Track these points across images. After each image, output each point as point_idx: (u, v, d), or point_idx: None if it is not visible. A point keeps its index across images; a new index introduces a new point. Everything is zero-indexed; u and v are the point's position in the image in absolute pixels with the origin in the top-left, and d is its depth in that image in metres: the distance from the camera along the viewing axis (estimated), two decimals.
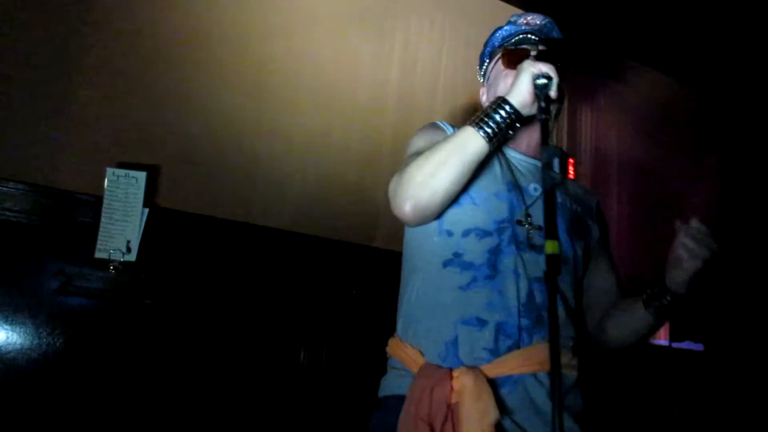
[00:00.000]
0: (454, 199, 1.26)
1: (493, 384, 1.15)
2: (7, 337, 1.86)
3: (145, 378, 1.98)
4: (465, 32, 2.81)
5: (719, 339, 3.21)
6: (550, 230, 1.01)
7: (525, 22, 1.41)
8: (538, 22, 1.40)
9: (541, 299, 1.24)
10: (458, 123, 1.25)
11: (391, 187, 1.27)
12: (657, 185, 3.41)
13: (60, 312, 1.92)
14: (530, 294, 1.23)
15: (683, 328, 3.04)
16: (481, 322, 1.20)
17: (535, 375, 1.18)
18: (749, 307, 3.51)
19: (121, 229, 1.98)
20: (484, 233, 1.26)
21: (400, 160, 1.38)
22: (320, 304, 2.31)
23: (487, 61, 1.48)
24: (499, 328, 1.19)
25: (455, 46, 2.81)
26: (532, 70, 1.18)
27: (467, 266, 1.24)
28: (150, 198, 2.08)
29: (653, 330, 1.35)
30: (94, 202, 2.00)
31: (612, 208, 3.21)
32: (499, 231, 1.26)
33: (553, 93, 1.18)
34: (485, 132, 1.19)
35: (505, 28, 1.43)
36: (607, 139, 3.33)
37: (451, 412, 1.14)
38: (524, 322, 1.20)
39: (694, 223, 1.21)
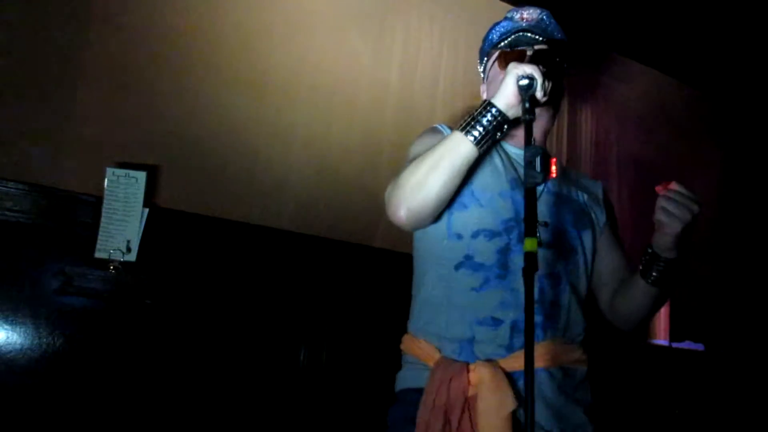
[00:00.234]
0: (459, 203, 1.29)
1: (510, 378, 1.18)
2: (7, 337, 1.86)
3: (146, 378, 1.98)
4: (465, 31, 2.81)
5: (719, 339, 3.21)
6: (529, 228, 1.03)
7: (521, 17, 1.41)
8: (534, 17, 1.41)
9: (552, 295, 1.27)
10: (458, 122, 1.26)
11: (387, 193, 1.30)
12: (657, 182, 3.40)
13: (60, 312, 1.92)
14: (542, 291, 1.26)
15: (683, 328, 3.04)
16: (497, 322, 1.23)
17: (548, 370, 1.22)
18: (749, 307, 3.51)
19: (121, 229, 1.98)
20: (492, 234, 1.28)
21: (400, 159, 1.39)
22: (320, 304, 2.31)
23: (486, 59, 1.49)
24: (515, 326, 1.23)
25: (455, 45, 2.82)
26: (516, 71, 1.19)
27: (479, 267, 1.27)
28: (150, 198, 2.08)
29: (659, 301, 1.36)
30: (94, 202, 2.00)
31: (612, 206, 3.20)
32: (507, 230, 1.28)
33: (538, 93, 1.19)
34: (473, 136, 1.20)
35: (502, 24, 1.44)
36: (607, 137, 3.33)
37: (468, 404, 1.17)
38: (537, 318, 1.24)
39: (674, 185, 1.21)
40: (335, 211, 2.45)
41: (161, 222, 2.08)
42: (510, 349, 1.22)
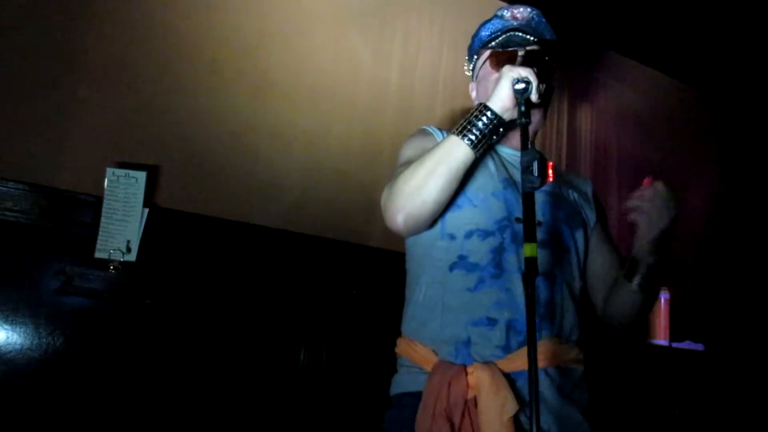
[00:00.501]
0: (452, 203, 1.28)
1: (508, 379, 1.17)
2: (7, 337, 1.87)
3: (146, 378, 1.98)
4: (465, 31, 2.78)
5: (719, 339, 3.21)
6: (529, 233, 1.04)
7: (512, 15, 1.41)
8: (525, 15, 1.40)
9: (547, 294, 1.26)
10: (458, 123, 1.26)
11: (383, 199, 1.29)
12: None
13: (60, 312, 1.92)
14: (537, 290, 1.25)
15: (683, 328, 3.04)
16: (492, 322, 1.22)
17: (545, 370, 1.21)
18: (749, 307, 3.51)
19: (121, 229, 1.98)
20: (486, 233, 1.27)
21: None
22: (320, 304, 2.31)
23: (476, 57, 1.48)
24: (510, 326, 1.22)
25: (455, 45, 2.81)
26: (511, 75, 1.19)
27: (473, 267, 1.26)
28: (150, 198, 2.08)
29: (649, 303, 1.37)
30: (94, 202, 2.00)
31: (611, 206, 3.21)
32: (501, 230, 1.28)
33: (533, 97, 1.19)
34: (469, 139, 1.20)
35: (493, 22, 1.43)
36: (606, 137, 3.33)
37: (468, 407, 1.16)
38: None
39: (651, 183, 1.20)
40: (335, 211, 2.45)
41: (161, 222, 2.08)
42: (507, 349, 1.21)
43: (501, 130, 1.23)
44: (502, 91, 1.20)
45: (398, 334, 1.39)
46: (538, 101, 1.22)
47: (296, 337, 2.25)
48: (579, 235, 1.38)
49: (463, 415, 1.15)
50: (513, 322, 1.21)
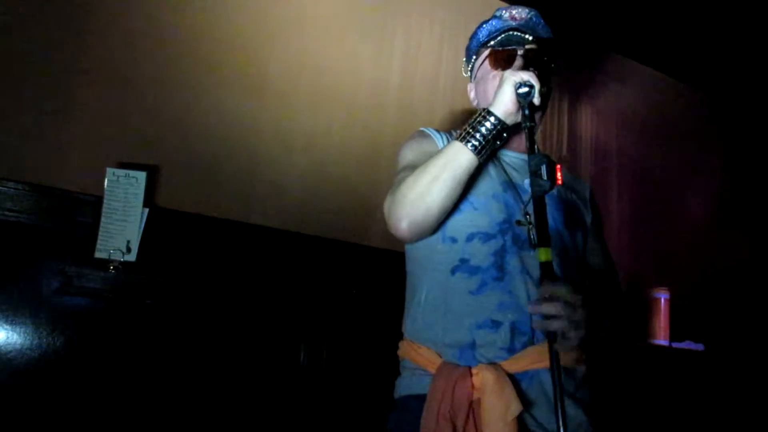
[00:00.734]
0: (453, 207, 1.28)
1: (513, 379, 1.18)
2: (7, 337, 1.86)
3: (146, 378, 1.98)
4: (465, 31, 2.79)
5: (719, 339, 3.21)
6: (542, 238, 1.04)
7: (510, 16, 1.41)
8: (523, 16, 1.40)
9: None
10: (458, 123, 1.26)
11: (386, 206, 1.28)
12: (657, 183, 3.41)
13: (60, 312, 1.92)
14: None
15: (683, 328, 3.04)
16: (496, 324, 1.22)
17: (549, 370, 1.20)
18: (749, 307, 3.51)
19: (121, 229, 1.98)
20: (487, 236, 1.27)
21: None
22: (320, 304, 2.31)
23: (474, 57, 1.48)
24: (514, 327, 1.22)
25: (455, 45, 2.81)
26: (513, 79, 1.20)
27: (475, 270, 1.26)
28: (150, 198, 2.08)
29: (621, 331, 1.39)
30: (94, 202, 2.00)
31: (612, 206, 3.21)
32: (502, 232, 1.28)
33: (536, 100, 1.19)
34: (473, 145, 1.20)
35: (491, 22, 1.43)
36: (606, 137, 3.33)
37: (472, 409, 1.16)
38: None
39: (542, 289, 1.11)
40: (335, 211, 2.45)
41: (161, 222, 2.08)
42: (511, 351, 1.21)
43: (504, 135, 1.23)
44: (504, 95, 1.20)
45: (399, 334, 1.38)
46: (540, 104, 1.22)
47: (296, 337, 2.24)
48: (578, 237, 1.39)
49: (467, 417, 1.15)
50: (517, 323, 1.22)
